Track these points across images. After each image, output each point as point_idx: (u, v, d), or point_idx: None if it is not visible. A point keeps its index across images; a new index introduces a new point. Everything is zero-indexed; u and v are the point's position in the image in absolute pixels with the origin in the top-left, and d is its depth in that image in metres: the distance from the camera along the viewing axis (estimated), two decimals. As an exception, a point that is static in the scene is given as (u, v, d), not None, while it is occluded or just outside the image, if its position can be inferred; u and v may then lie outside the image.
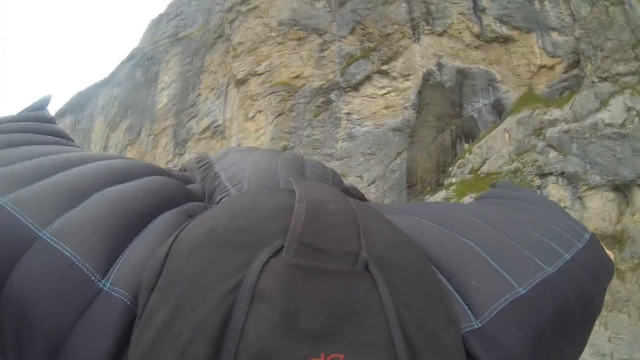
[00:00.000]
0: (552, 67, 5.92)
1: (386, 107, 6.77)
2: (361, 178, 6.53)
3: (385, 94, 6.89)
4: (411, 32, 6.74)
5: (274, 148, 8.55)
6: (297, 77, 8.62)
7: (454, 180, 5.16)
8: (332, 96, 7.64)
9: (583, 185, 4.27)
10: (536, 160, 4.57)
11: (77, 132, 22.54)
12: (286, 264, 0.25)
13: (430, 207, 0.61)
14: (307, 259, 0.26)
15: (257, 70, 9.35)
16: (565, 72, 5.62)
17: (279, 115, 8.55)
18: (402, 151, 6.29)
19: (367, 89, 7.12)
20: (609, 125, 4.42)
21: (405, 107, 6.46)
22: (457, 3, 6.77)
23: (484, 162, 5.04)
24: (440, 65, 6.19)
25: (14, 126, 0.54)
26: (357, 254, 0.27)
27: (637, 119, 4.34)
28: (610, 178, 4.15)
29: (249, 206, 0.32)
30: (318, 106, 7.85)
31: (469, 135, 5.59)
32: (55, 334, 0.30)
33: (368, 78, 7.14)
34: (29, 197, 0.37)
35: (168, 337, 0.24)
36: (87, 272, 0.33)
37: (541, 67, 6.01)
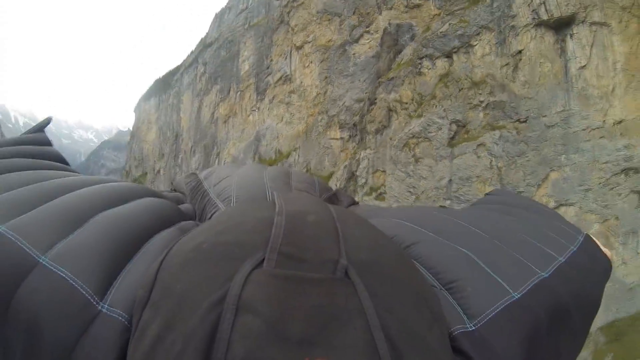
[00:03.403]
0: (439, 14, 14.25)
1: (369, 48, 15.40)
2: (360, 80, 15.72)
3: (369, 41, 15.47)
4: (377, 10, 15.42)
5: (320, 80, 17.76)
6: (329, 40, 17.45)
7: (400, 61, 13.86)
8: (346, 47, 16.43)
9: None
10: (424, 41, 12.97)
11: (165, 108, 31.63)
12: (268, 274, 0.27)
13: (427, 214, 0.62)
14: (288, 268, 0.28)
15: (307, 39, 18.37)
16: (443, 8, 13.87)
17: (321, 61, 17.59)
18: (375, 64, 15.04)
19: (361, 41, 15.67)
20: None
21: (377, 46, 14.98)
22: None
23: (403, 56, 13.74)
24: (389, 24, 14.19)
25: (13, 150, 0.58)
26: (336, 262, 0.29)
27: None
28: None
29: (233, 221, 0.34)
30: (340, 53, 16.72)
31: (401, 50, 14.17)
32: (60, 349, 0.33)
33: (362, 36, 15.66)
34: (28, 224, 0.39)
35: (161, 349, 0.26)
36: (87, 295, 0.35)
37: (436, 14, 14.31)
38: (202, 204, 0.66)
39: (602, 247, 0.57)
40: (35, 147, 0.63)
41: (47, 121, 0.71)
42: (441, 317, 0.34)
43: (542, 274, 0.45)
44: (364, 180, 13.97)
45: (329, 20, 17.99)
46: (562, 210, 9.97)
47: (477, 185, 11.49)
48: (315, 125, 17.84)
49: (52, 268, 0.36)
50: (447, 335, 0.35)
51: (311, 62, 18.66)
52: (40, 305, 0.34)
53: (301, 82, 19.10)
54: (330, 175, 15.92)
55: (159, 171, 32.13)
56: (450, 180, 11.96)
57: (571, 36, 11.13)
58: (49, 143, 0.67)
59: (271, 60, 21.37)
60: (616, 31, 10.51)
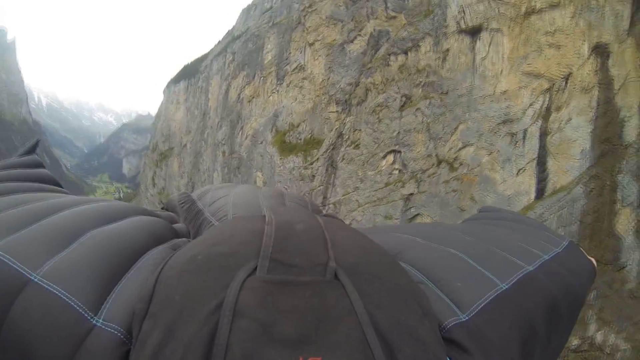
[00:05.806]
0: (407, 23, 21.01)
1: (360, 47, 21.84)
2: (352, 70, 22.70)
3: (360, 42, 21.82)
4: (367, 19, 22.21)
5: (325, 70, 24.62)
6: (334, 40, 24.05)
7: (377, 56, 20.73)
8: (344, 45, 23.23)
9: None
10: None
11: (194, 90, 35.51)
12: (261, 280, 0.30)
13: (419, 227, 0.69)
14: (280, 274, 0.30)
15: (318, 38, 25.00)
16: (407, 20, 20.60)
17: (327, 55, 24.42)
18: (362, 59, 21.82)
19: (355, 41, 21.98)
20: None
21: (366, 43, 21.75)
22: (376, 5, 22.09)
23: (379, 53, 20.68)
24: (374, 29, 20.92)
25: (3, 175, 0.60)
26: (325, 265, 0.31)
27: None
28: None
29: (226, 234, 0.37)
30: (340, 50, 23.39)
31: (379, 48, 20.90)
32: None
33: (357, 36, 22.40)
34: (18, 243, 0.40)
35: (162, 358, 0.28)
36: (80, 310, 0.37)
37: (404, 24, 20.98)
38: (197, 222, 0.69)
39: (585, 253, 0.61)
40: (28, 170, 0.65)
41: (36, 142, 0.73)
42: (430, 311, 0.36)
43: (528, 267, 0.49)
44: (347, 137, 21.05)
45: (334, 24, 24.71)
46: (466, 149, 16.48)
47: (414, 134, 18.37)
48: (319, 103, 24.62)
49: (44, 285, 0.37)
50: (437, 328, 0.38)
51: (319, 56, 25.36)
52: (33, 322, 0.35)
53: (311, 71, 25.87)
54: (325, 137, 22.85)
55: (185, 145, 37.33)
56: (399, 132, 18.88)
57: (479, 38, 17.74)
58: (40, 165, 0.68)
59: (289, 53, 27.59)
60: (505, 34, 17.00)
